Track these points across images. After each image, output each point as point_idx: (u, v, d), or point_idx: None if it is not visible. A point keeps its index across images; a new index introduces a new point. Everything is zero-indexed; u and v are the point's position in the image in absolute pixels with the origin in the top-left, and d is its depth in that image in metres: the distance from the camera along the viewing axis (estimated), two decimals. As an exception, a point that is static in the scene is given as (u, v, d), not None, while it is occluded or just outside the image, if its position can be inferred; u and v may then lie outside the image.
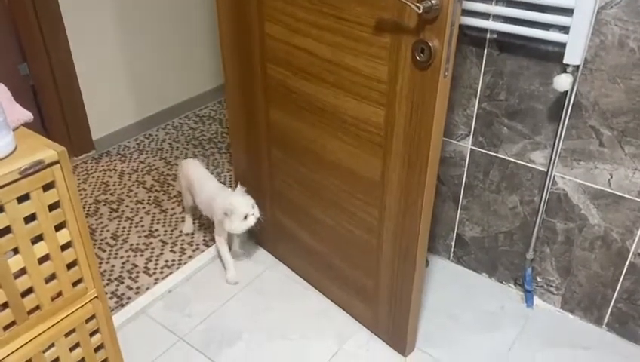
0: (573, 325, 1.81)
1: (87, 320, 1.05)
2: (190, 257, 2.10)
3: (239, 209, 1.80)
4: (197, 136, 2.91)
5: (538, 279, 1.85)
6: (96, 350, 1.10)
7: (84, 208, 2.38)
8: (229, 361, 1.69)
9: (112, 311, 1.87)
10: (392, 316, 1.67)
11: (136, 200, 2.43)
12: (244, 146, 1.97)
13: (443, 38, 1.18)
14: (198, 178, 1.99)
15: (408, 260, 1.52)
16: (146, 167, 2.66)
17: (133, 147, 2.81)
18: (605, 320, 1.77)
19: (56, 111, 2.58)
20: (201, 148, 2.81)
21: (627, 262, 1.65)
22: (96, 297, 1.05)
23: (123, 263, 2.08)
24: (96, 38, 2.58)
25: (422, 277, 1.57)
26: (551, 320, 1.83)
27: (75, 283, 1.02)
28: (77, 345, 1.06)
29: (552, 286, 1.83)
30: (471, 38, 1.65)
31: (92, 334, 1.08)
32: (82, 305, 1.03)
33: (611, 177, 1.58)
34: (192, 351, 1.72)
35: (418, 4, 1.15)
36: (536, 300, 1.88)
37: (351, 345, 1.74)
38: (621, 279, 1.68)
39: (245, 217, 1.81)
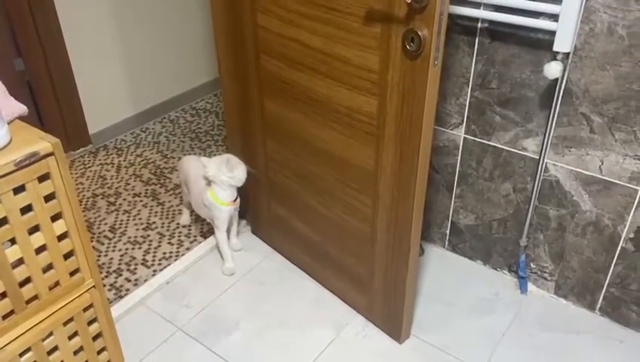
0: (567, 310, 1.84)
1: (85, 309, 1.07)
2: (188, 249, 2.12)
3: (233, 157, 1.87)
4: (193, 129, 2.92)
5: (532, 265, 1.88)
6: (95, 338, 1.12)
7: (81, 202, 2.39)
8: (227, 350, 1.71)
9: (110, 302, 1.89)
10: (387, 303, 1.70)
11: (134, 194, 2.45)
12: (240, 137, 1.98)
13: (432, 28, 1.20)
14: (195, 176, 1.99)
15: (402, 248, 1.54)
16: (142, 161, 2.67)
17: (130, 140, 2.83)
18: (598, 305, 1.80)
19: (53, 106, 2.60)
20: (197, 141, 2.82)
21: (619, 247, 1.67)
22: (93, 286, 1.07)
23: (121, 256, 2.10)
24: (91, 33, 2.59)
25: (416, 264, 1.59)
26: (545, 306, 1.85)
27: (72, 273, 1.03)
28: (75, 334, 1.08)
29: (545, 272, 1.86)
30: (462, 27, 1.66)
31: (90, 323, 1.10)
32: (80, 295, 1.05)
33: (602, 163, 1.60)
34: (190, 341, 1.74)
35: (407, -6, 1.16)
36: (530, 286, 1.91)
37: (347, 332, 1.76)
38: (613, 264, 1.70)
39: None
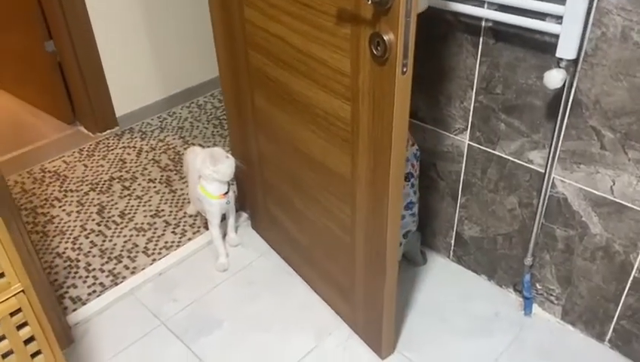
0: (573, 338, 1.68)
1: (12, 314, 1.06)
2: (189, 239, 2.10)
3: (216, 150, 1.82)
4: (218, 116, 2.89)
5: (538, 286, 1.72)
6: (27, 342, 1.11)
7: (97, 185, 2.43)
8: (204, 350, 1.68)
9: (105, 289, 1.90)
10: (368, 316, 1.61)
11: (149, 179, 2.45)
12: (237, 131, 1.93)
13: (398, 31, 1.08)
14: (193, 168, 1.95)
15: (379, 261, 1.45)
16: (164, 146, 2.68)
17: (156, 125, 2.84)
18: (608, 337, 1.63)
19: (80, 88, 2.64)
20: (220, 127, 2.80)
21: (631, 277, 1.50)
22: (22, 291, 1.05)
23: (125, 242, 2.11)
24: (119, 16, 2.59)
25: (394, 278, 1.49)
26: (549, 331, 1.70)
27: (-4, 278, 1.02)
28: (3, 337, 1.07)
29: (552, 295, 1.70)
30: (466, 26, 1.52)
31: (20, 327, 1.09)
32: (5, 300, 1.04)
33: (614, 184, 1.42)
34: (169, 337, 1.72)
35: (366, -7, 1.05)
36: (536, 308, 1.75)
37: (330, 342, 1.69)
38: (624, 295, 1.53)
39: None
